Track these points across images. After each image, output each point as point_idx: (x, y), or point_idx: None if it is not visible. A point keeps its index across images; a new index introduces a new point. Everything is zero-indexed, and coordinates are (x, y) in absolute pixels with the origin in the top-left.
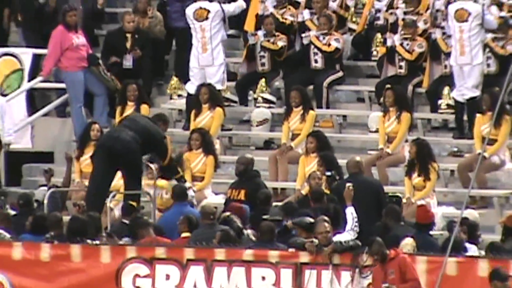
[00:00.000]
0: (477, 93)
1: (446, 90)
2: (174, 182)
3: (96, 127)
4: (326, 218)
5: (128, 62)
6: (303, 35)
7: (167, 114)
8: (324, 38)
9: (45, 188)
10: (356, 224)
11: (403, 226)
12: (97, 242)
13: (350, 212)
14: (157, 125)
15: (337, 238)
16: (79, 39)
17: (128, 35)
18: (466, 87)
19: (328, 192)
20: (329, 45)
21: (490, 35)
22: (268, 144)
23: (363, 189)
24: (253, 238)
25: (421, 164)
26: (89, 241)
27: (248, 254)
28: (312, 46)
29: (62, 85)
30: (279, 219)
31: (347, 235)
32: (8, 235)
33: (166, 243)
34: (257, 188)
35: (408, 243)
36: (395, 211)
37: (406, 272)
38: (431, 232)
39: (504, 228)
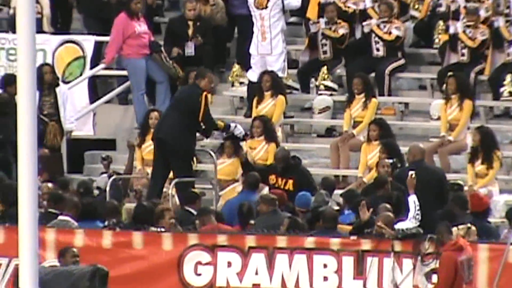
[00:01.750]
0: None
1: (508, 77)
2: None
3: (154, 115)
4: (388, 206)
5: (189, 49)
6: (364, 23)
7: (228, 102)
8: (385, 27)
9: (106, 175)
10: (418, 212)
11: (469, 214)
12: (160, 229)
13: (413, 201)
14: (195, 85)
15: (399, 225)
16: (141, 26)
17: (190, 23)
18: None
19: (391, 179)
20: (390, 33)
21: None
22: (329, 132)
23: (426, 177)
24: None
25: (484, 152)
26: (152, 228)
27: (309, 241)
28: (373, 35)
29: (124, 73)
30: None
31: (409, 223)
32: (75, 223)
33: (227, 230)
34: (303, 176)
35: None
36: (461, 198)
37: (438, 271)
38: (492, 220)
39: None
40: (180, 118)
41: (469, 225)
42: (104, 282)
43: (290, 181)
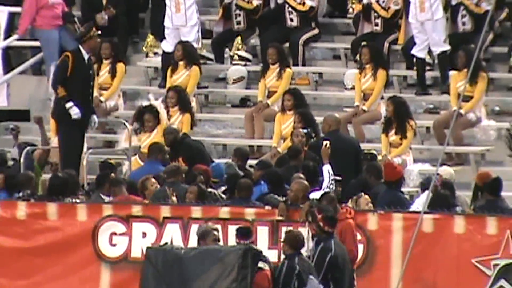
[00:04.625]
0: (447, 47)
1: None
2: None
3: None
4: (301, 175)
5: (102, 20)
6: None
7: (142, 72)
8: None
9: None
10: (333, 182)
11: (383, 183)
12: (73, 200)
13: (327, 170)
14: None
15: (313, 195)
16: None
17: None
18: (434, 43)
19: (306, 149)
20: (304, 3)
21: None
22: (244, 102)
23: (341, 147)
24: (223, 197)
25: (398, 121)
26: (68, 199)
27: (224, 211)
28: (287, 5)
29: (38, 43)
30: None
31: (321, 193)
32: None
33: (142, 201)
34: (190, 149)
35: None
36: (375, 168)
37: (345, 240)
38: (406, 189)
39: (474, 186)
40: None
41: (360, 194)
42: (256, 261)
43: (180, 159)
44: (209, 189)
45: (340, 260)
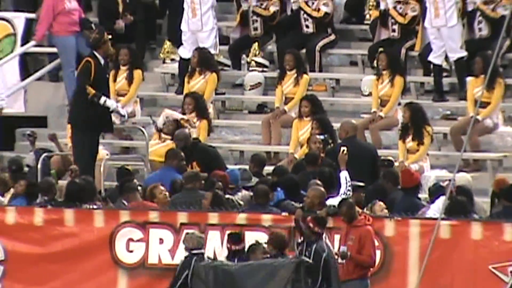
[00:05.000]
0: (463, 53)
1: None
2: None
3: None
4: (318, 182)
5: (120, 27)
6: (292, 0)
7: (159, 78)
8: (313, 3)
9: (32, 153)
10: (349, 188)
11: (400, 189)
12: (91, 206)
13: (344, 177)
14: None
15: (330, 201)
16: (71, 3)
17: (119, 0)
18: (450, 49)
19: (323, 155)
20: (318, 10)
21: None
22: (261, 108)
23: (358, 153)
24: (241, 203)
25: (415, 127)
26: (86, 205)
27: (241, 217)
28: (302, 12)
29: (55, 50)
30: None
31: (339, 199)
32: (4, 200)
33: (158, 207)
34: (204, 154)
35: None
36: (392, 174)
37: (364, 246)
38: (423, 196)
39: (492, 193)
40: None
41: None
42: (308, 273)
43: (194, 164)
44: (227, 196)
45: (332, 260)
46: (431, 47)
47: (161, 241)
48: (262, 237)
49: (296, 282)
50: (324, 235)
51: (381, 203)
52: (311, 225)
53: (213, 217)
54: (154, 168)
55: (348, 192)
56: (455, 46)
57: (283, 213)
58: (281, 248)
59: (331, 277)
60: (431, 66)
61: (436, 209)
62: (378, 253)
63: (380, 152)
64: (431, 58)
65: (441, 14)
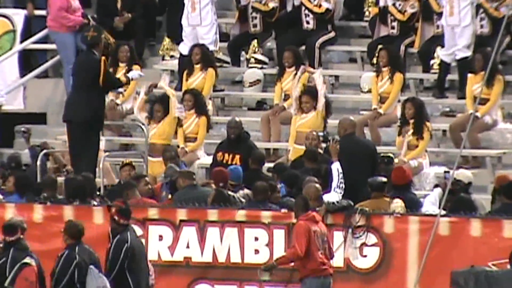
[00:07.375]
0: (468, 53)
1: (438, 50)
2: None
3: None
4: (315, 179)
5: (119, 25)
6: None
7: (159, 75)
8: (314, 0)
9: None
10: (342, 181)
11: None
12: (90, 203)
13: (336, 168)
14: (90, 52)
15: (326, 198)
16: (75, 2)
17: None
18: (458, 48)
19: (321, 152)
20: (320, 6)
21: None
22: (260, 105)
23: (357, 150)
24: (243, 200)
25: (416, 123)
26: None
27: (240, 214)
28: (303, 8)
29: (54, 46)
30: None
31: (334, 194)
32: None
33: (158, 204)
34: (251, 151)
35: (398, 205)
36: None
37: (292, 237)
38: (422, 192)
39: (493, 190)
40: (83, 93)
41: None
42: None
43: (237, 156)
44: (229, 192)
45: (137, 252)
46: (431, 44)
47: (161, 237)
48: (261, 234)
49: None
50: (129, 227)
51: (400, 200)
52: (116, 217)
53: (213, 214)
54: (154, 151)
55: (341, 185)
56: (463, 46)
57: (283, 210)
58: (78, 237)
59: (135, 268)
60: (430, 64)
61: (432, 200)
62: (377, 250)
63: (380, 149)
64: (441, 54)
65: (455, 13)
